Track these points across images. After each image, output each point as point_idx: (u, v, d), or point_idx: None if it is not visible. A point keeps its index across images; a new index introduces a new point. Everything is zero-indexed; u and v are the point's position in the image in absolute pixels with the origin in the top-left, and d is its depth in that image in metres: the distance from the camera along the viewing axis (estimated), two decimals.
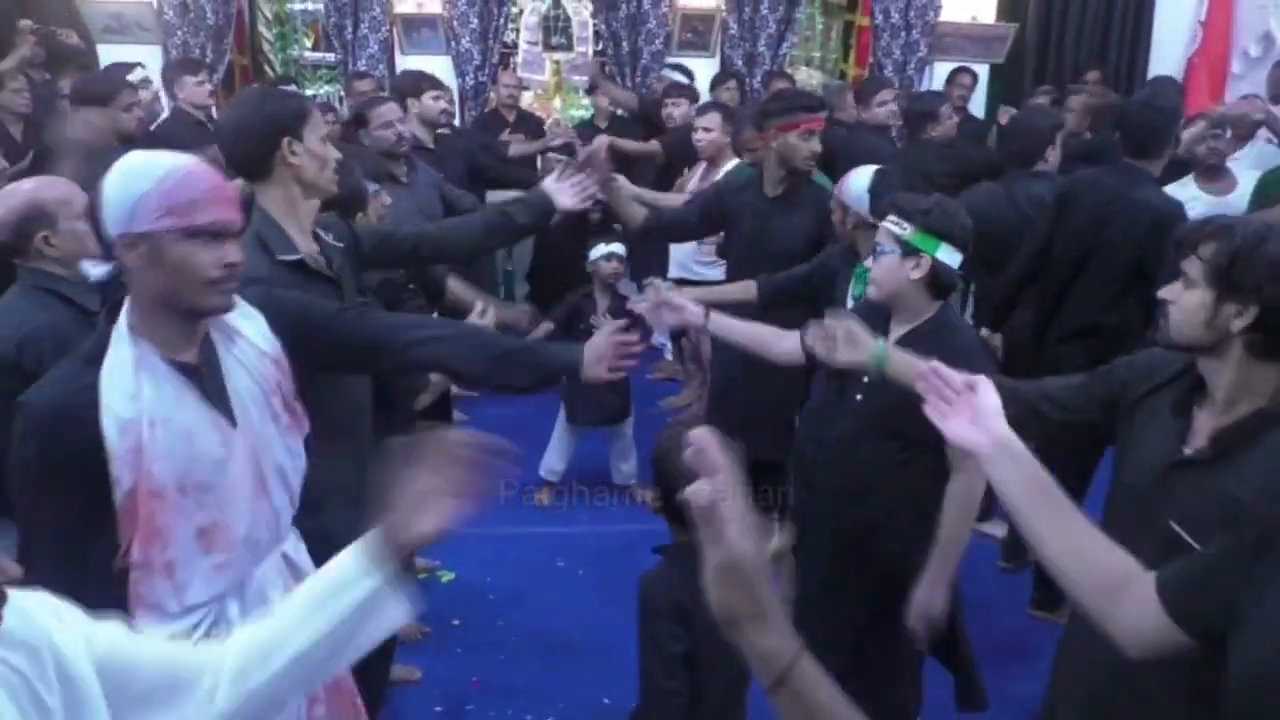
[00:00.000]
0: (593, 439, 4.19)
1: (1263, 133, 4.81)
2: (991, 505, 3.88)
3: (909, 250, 2.15)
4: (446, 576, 3.57)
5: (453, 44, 6.15)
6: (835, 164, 4.12)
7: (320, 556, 1.69)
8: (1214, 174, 3.90)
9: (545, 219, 2.49)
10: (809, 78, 7.07)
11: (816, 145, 3.16)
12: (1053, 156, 3.64)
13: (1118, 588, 1.25)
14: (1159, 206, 3.12)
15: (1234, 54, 5.97)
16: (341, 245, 2.15)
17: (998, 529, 3.78)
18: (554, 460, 4.15)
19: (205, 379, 1.51)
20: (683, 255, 4.54)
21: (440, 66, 5.96)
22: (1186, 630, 1.18)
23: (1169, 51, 6.22)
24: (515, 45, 7.02)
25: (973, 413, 1.37)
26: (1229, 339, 1.48)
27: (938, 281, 2.17)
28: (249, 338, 1.60)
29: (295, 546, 1.73)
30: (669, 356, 5.55)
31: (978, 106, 6.24)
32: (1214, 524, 1.44)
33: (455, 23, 6.11)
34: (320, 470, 1.72)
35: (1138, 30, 6.40)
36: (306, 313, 1.74)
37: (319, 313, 1.77)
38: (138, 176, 1.43)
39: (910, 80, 6.40)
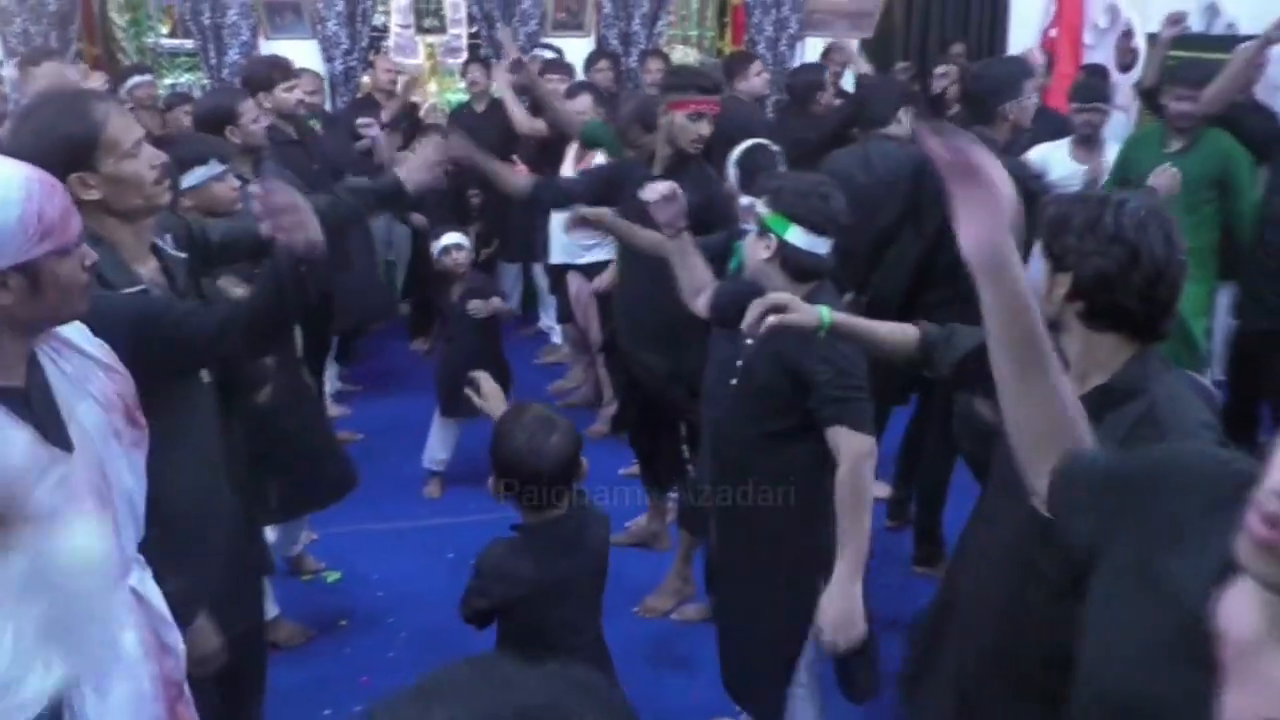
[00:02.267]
0: (480, 425, 4.14)
1: (1119, 100, 5.06)
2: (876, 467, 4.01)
3: (762, 229, 2.14)
4: (333, 576, 3.49)
5: (318, 28, 5.95)
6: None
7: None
8: (1088, 144, 4.09)
9: (398, 198, 2.46)
10: (685, 56, 7.09)
11: (705, 128, 3.05)
12: (906, 119, 3.69)
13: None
14: None
15: (1086, 26, 6.23)
16: (184, 256, 1.97)
17: (881, 490, 3.89)
18: (437, 450, 4.09)
19: (34, 403, 1.37)
20: (566, 239, 4.51)
21: (306, 51, 5.78)
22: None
23: (1027, 24, 6.45)
24: (385, 28, 6.84)
25: (991, 216, 1.15)
26: (1064, 311, 1.51)
27: (790, 265, 2.12)
28: (78, 346, 1.47)
29: (141, 578, 1.56)
30: (556, 340, 5.53)
31: (850, 82, 6.37)
32: None
33: (320, 5, 5.92)
34: (161, 487, 1.60)
35: (996, 4, 6.64)
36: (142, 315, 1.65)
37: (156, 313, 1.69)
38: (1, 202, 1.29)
39: (783, 56, 6.49)
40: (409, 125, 5.52)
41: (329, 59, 5.96)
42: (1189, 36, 5.20)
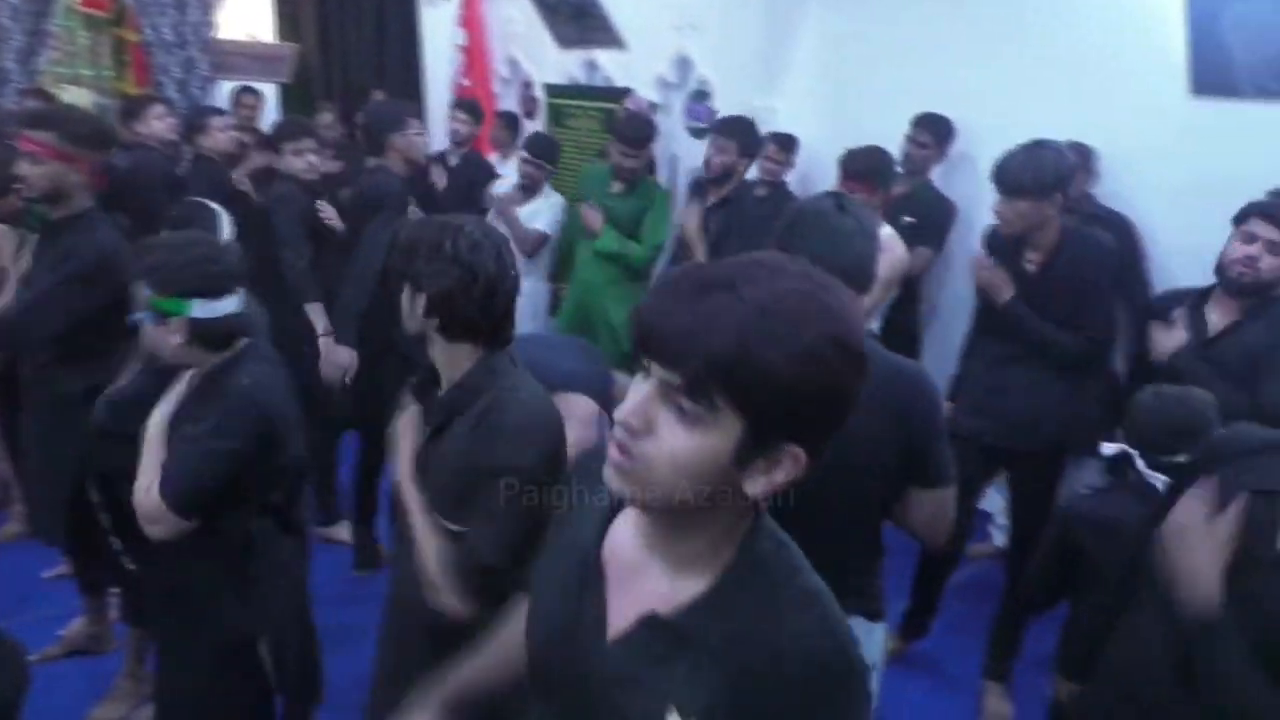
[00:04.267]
0: None
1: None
2: (335, 510, 3.93)
3: (160, 315, 1.91)
4: None
5: None
6: (121, 190, 3.74)
7: None
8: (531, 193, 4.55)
9: None
10: (79, 97, 6.31)
11: (23, 167, 2.67)
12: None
13: None
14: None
15: (493, 77, 6.77)
16: None
17: (341, 532, 3.85)
18: None
19: None
20: None
21: None
22: None
23: (440, 72, 6.82)
24: None
25: None
26: (426, 326, 1.68)
27: (208, 338, 1.95)
28: None
29: None
30: None
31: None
32: (450, 490, 1.66)
33: None
34: None
35: (407, 53, 6.94)
36: None
37: None
38: None
39: (196, 99, 6.11)
40: None
41: None
42: (571, 87, 5.95)
